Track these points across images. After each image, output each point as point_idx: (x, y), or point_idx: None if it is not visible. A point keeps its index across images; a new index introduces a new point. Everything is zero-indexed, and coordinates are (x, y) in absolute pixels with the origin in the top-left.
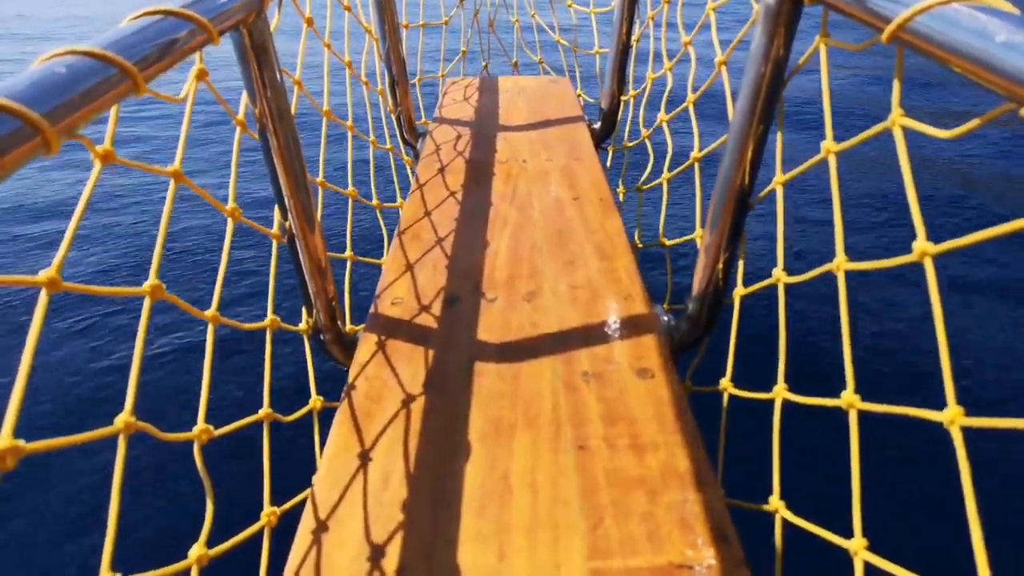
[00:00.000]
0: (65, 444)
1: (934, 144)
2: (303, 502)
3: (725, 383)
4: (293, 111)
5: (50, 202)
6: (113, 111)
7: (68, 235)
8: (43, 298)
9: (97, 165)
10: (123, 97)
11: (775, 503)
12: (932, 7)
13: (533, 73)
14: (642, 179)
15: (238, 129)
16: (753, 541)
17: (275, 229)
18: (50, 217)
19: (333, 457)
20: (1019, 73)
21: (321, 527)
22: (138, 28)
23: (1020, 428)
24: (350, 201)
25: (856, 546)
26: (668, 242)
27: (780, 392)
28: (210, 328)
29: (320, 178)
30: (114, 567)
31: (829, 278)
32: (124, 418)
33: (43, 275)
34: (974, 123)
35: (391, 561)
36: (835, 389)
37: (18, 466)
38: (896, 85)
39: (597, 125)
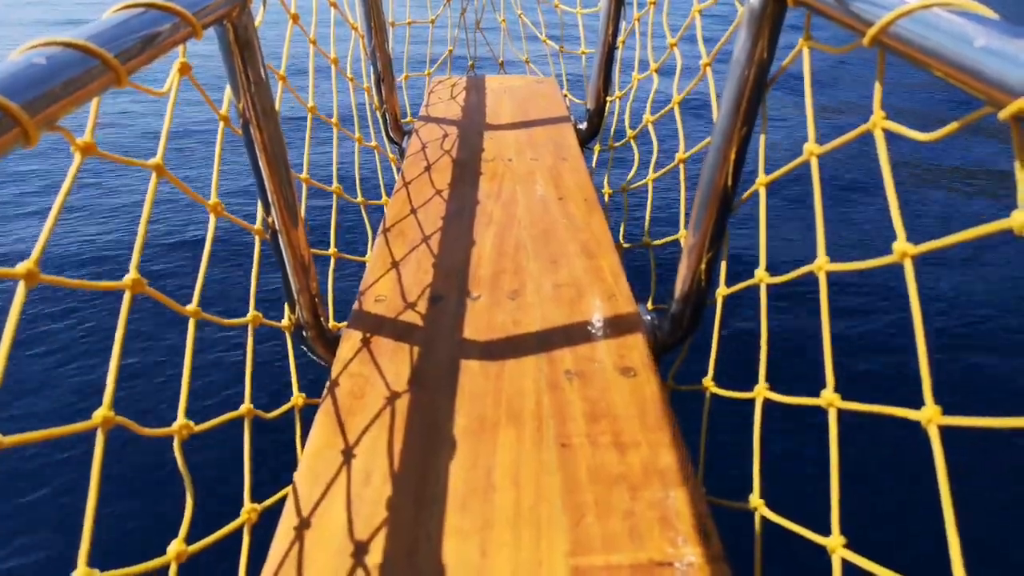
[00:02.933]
0: (43, 437)
1: (916, 146)
2: (283, 499)
3: (707, 382)
4: (277, 107)
5: (29, 193)
6: (94, 103)
7: (47, 227)
8: (21, 290)
9: (77, 157)
10: (104, 89)
11: (755, 501)
12: (913, 11)
13: (519, 73)
14: (627, 179)
15: (221, 124)
16: (733, 538)
17: (258, 225)
18: (29, 208)
19: (314, 454)
20: (997, 77)
21: (302, 524)
22: (121, 20)
23: (996, 427)
24: (334, 198)
25: (834, 544)
26: (652, 242)
27: (761, 391)
28: (191, 323)
29: (304, 174)
30: (91, 563)
31: (811, 278)
32: (102, 412)
33: (21, 267)
34: (953, 126)
35: (373, 557)
36: (816, 388)
37: None
38: (877, 88)
39: (583, 125)
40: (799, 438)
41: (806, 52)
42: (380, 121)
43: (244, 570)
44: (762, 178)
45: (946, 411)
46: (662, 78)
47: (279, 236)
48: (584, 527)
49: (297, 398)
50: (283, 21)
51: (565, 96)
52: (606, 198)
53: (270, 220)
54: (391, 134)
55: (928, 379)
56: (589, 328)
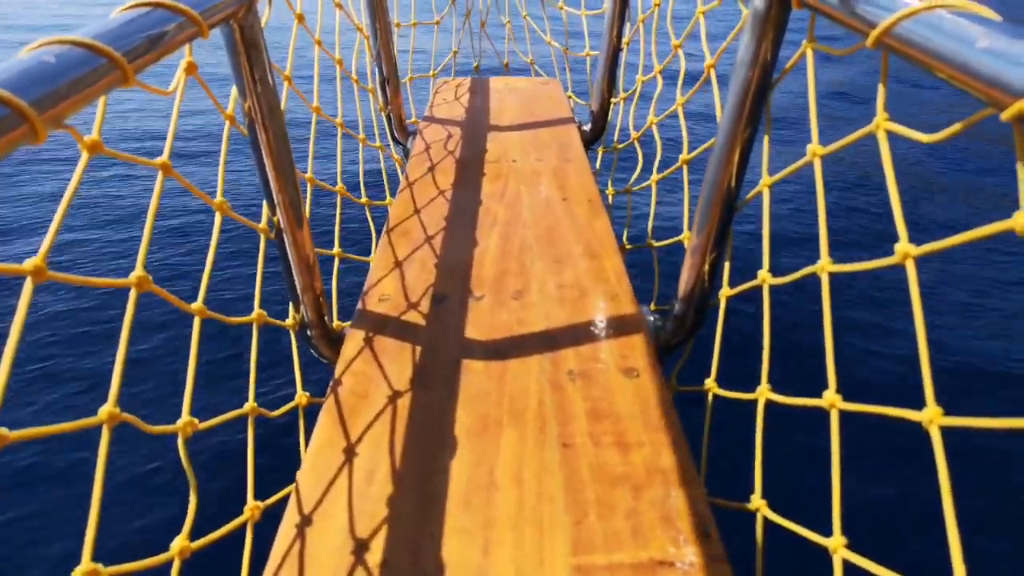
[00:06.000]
0: (49, 433)
1: (918, 147)
2: (287, 497)
3: (710, 383)
4: (283, 107)
5: (37, 192)
6: (101, 102)
7: (54, 224)
8: (28, 287)
9: (84, 155)
10: (111, 87)
11: (757, 502)
12: (916, 13)
13: (524, 74)
14: (631, 181)
15: (227, 123)
16: (735, 538)
17: (263, 224)
18: (37, 207)
19: (318, 452)
20: (998, 78)
21: (305, 521)
22: (128, 19)
23: (997, 427)
24: (338, 197)
25: (835, 544)
26: (656, 243)
27: (763, 392)
28: (196, 321)
29: (309, 174)
30: (95, 558)
31: (814, 279)
32: (108, 409)
33: (29, 264)
34: (956, 127)
35: (375, 555)
36: (818, 389)
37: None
38: (881, 89)
39: (587, 127)
40: (801, 439)
41: (810, 54)
42: (385, 122)
43: (247, 567)
44: (766, 179)
45: (947, 412)
46: (666, 80)
47: (284, 235)
48: (586, 526)
49: (301, 397)
50: (289, 22)
51: (569, 98)
52: (610, 199)
53: (275, 219)
54: (395, 135)
55: (929, 380)
56: (592, 329)
